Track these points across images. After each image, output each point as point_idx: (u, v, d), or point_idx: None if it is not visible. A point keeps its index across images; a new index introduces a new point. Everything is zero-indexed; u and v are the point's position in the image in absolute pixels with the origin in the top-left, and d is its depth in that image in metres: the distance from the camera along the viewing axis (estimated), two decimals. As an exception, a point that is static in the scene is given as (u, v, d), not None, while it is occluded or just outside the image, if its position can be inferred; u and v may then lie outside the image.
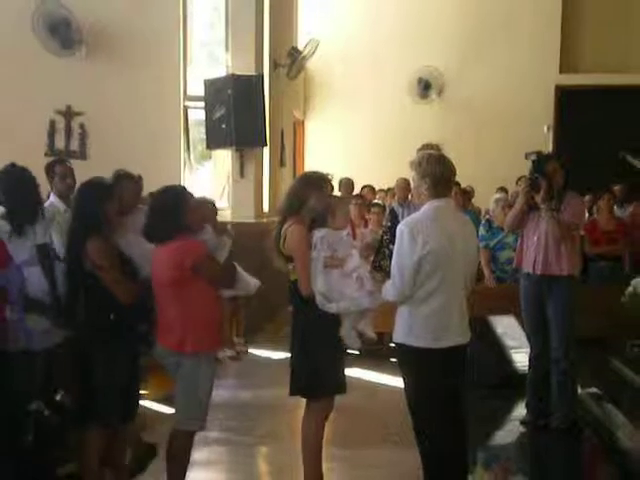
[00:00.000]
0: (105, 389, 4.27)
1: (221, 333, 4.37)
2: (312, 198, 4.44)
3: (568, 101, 13.12)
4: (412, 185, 4.36)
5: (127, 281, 4.27)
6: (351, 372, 7.95)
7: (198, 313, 4.22)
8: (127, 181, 5.11)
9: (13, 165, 4.64)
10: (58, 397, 4.90)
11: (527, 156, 5.78)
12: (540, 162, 5.72)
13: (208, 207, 4.52)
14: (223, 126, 9.13)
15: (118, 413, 4.36)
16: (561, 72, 13.10)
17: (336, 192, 10.04)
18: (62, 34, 9.26)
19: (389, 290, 4.15)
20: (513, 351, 7.05)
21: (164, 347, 4.30)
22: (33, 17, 9.20)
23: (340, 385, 4.55)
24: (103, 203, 4.29)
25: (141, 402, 4.95)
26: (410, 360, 4.16)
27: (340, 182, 10.30)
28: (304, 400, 4.57)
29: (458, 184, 8.60)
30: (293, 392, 4.54)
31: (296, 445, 4.64)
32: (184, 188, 4.51)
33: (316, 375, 4.40)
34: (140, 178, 5.64)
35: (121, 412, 4.38)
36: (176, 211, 4.24)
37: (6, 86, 9.57)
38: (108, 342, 4.27)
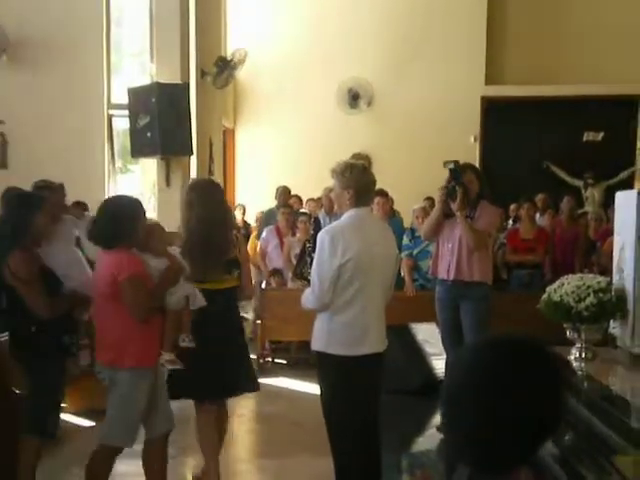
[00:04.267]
0: (34, 400, 4.26)
1: (160, 344, 4.24)
2: None
3: (494, 112, 13.37)
4: (333, 194, 4.39)
5: (46, 295, 4.20)
6: (277, 381, 8.02)
7: (136, 327, 4.11)
8: (47, 191, 5.03)
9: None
10: None
11: (445, 164, 5.87)
12: (457, 171, 5.81)
13: (160, 230, 4.42)
14: (148, 134, 9.03)
15: (51, 425, 4.32)
16: (487, 83, 13.34)
17: (273, 199, 10.12)
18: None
19: (309, 298, 4.17)
20: (433, 358, 7.12)
21: (100, 361, 4.22)
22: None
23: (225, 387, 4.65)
24: (31, 215, 4.23)
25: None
26: (328, 368, 4.18)
27: (277, 190, 10.33)
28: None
29: (385, 193, 8.69)
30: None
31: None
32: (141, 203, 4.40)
33: (197, 378, 4.53)
34: (61, 187, 5.55)
35: (55, 425, 4.34)
36: (130, 219, 4.14)
37: None
38: (30, 353, 4.23)
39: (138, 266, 4.13)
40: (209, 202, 4.68)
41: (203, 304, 4.49)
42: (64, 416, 6.16)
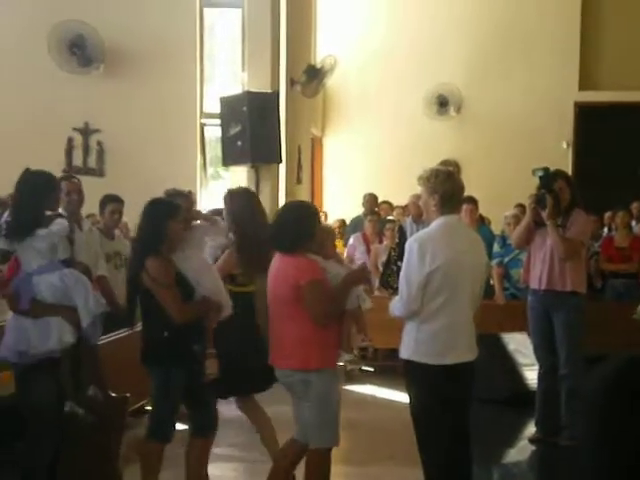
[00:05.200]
0: (158, 405, 4.41)
1: (342, 344, 4.35)
2: None
3: (587, 118, 13.05)
4: (420, 201, 4.37)
5: (182, 301, 4.30)
6: (364, 389, 8.01)
7: (316, 329, 4.18)
8: (179, 198, 5.02)
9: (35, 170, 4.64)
10: (90, 392, 4.95)
11: (535, 172, 5.76)
12: (547, 178, 5.70)
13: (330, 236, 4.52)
14: (239, 143, 9.19)
15: (172, 428, 4.45)
16: (580, 89, 13.03)
17: (360, 207, 10.16)
18: (79, 52, 9.41)
19: (396, 306, 4.15)
20: (525, 368, 7.00)
21: (287, 367, 4.28)
22: (49, 37, 9.36)
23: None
24: (166, 222, 4.34)
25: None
26: (416, 376, 4.14)
27: (364, 197, 10.35)
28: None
29: (474, 200, 8.59)
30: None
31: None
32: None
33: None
34: (190, 193, 5.62)
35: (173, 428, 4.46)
36: (311, 225, 4.26)
37: (25, 105, 9.74)
38: (162, 359, 4.35)
39: (318, 270, 4.22)
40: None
41: (371, 304, 4.61)
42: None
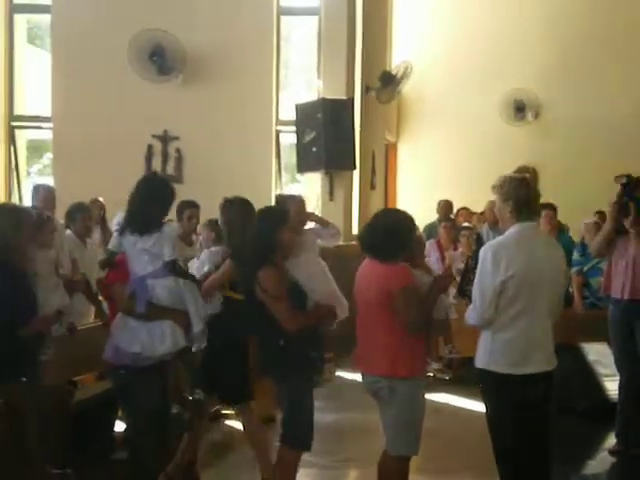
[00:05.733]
0: (293, 416, 4.40)
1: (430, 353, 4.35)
2: None
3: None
4: (496, 208, 4.32)
5: (292, 309, 4.28)
6: (438, 397, 7.92)
7: (406, 337, 4.16)
8: (289, 202, 5.00)
9: (155, 174, 4.72)
10: (196, 396, 5.07)
11: (617, 179, 5.63)
12: (630, 186, 5.56)
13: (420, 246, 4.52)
14: (313, 149, 9.25)
15: (311, 435, 4.44)
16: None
17: (435, 213, 10.09)
18: (159, 61, 9.62)
19: (471, 314, 4.10)
20: (605, 379, 6.83)
21: (374, 374, 4.25)
22: (130, 46, 9.60)
23: None
24: (278, 231, 4.33)
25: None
26: (491, 386, 4.10)
27: (438, 204, 10.28)
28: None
29: (552, 207, 8.44)
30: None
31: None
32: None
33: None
34: (301, 199, 5.60)
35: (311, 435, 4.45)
36: (408, 233, 4.27)
37: (105, 113, 10.01)
38: (281, 368, 4.36)
39: (411, 277, 4.20)
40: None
41: (456, 315, 4.57)
42: (230, 422, 6.43)
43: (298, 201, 5.14)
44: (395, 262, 4.18)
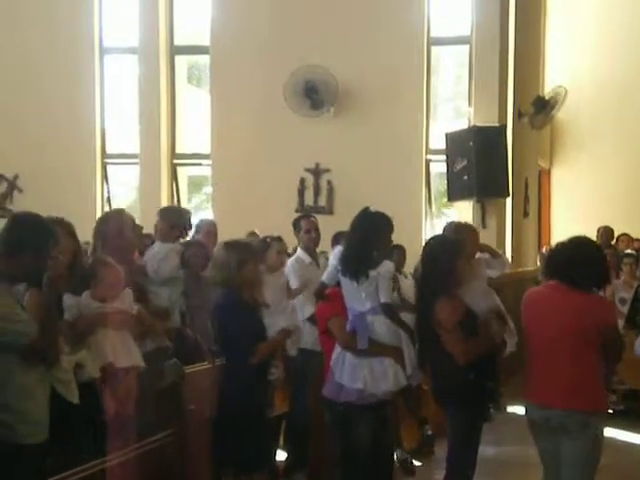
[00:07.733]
0: (462, 452, 4.34)
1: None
2: None
3: None
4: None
5: (464, 341, 4.18)
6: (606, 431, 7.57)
7: (600, 370, 4.09)
8: (465, 232, 4.97)
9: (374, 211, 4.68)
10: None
11: None
12: None
13: None
14: (465, 177, 9.19)
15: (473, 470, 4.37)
16: None
17: (596, 240, 9.73)
18: (313, 97, 9.85)
19: (640, 345, 3.95)
20: None
21: (568, 407, 4.01)
22: (287, 83, 9.88)
23: None
24: (455, 260, 4.29)
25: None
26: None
27: (598, 230, 9.94)
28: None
29: None
30: None
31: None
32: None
33: None
34: (475, 228, 5.54)
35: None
36: (601, 264, 4.17)
37: (261, 149, 10.34)
38: (462, 401, 4.27)
39: (609, 313, 4.16)
40: None
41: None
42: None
43: (473, 231, 5.09)
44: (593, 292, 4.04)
